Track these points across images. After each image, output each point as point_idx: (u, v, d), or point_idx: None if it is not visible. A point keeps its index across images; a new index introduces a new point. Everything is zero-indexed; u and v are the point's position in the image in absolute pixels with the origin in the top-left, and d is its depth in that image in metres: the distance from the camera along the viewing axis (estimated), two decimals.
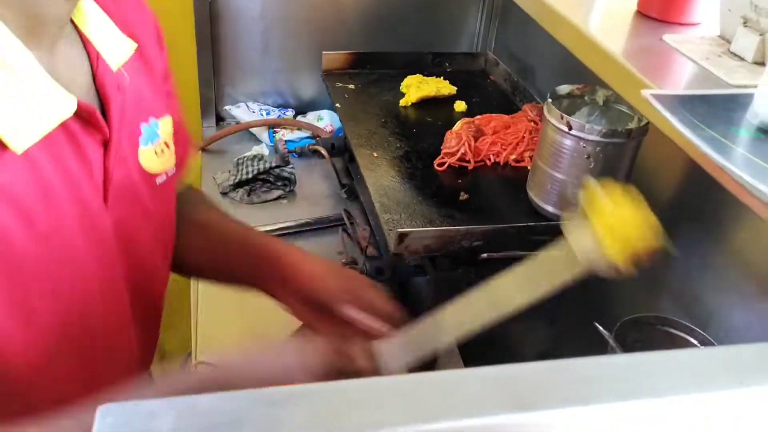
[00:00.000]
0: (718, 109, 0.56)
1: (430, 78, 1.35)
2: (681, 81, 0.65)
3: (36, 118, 0.52)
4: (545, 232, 0.90)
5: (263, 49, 1.60)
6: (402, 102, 1.29)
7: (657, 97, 0.56)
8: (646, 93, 0.56)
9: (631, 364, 0.40)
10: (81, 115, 0.56)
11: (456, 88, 1.33)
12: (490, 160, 1.10)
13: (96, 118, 0.57)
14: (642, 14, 0.79)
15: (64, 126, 0.54)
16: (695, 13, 0.76)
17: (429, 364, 0.98)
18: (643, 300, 1.08)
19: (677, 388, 0.37)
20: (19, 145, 0.51)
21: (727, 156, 0.49)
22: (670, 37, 0.72)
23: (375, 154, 1.11)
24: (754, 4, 0.66)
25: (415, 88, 1.30)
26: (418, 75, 1.36)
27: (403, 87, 1.32)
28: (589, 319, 0.95)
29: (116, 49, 0.64)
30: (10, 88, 0.51)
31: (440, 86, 1.33)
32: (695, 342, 0.90)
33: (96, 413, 0.29)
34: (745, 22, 0.68)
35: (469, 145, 1.08)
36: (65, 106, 0.54)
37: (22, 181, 0.52)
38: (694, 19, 0.76)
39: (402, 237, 0.87)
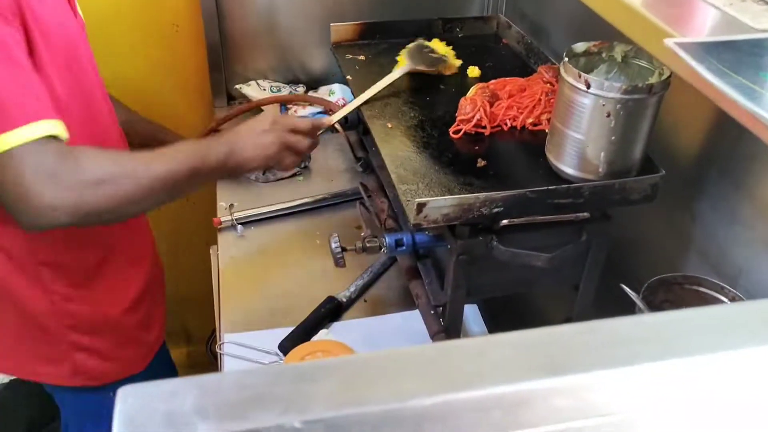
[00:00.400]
0: (745, 54, 0.54)
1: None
2: (705, 28, 0.63)
3: None
4: (566, 194, 0.88)
5: (270, 25, 1.58)
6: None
7: (681, 45, 0.53)
8: (669, 42, 0.54)
9: (662, 323, 0.38)
10: None
11: (461, 62, 1.29)
12: (506, 125, 1.07)
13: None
14: None
15: None
16: None
17: (454, 334, 0.98)
18: (670, 260, 1.06)
19: (712, 346, 0.36)
20: None
21: (758, 102, 0.47)
22: None
23: (389, 125, 1.09)
24: None
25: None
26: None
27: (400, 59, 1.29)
28: (614, 283, 0.94)
29: None
30: None
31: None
32: (725, 299, 0.88)
33: (117, 396, 0.29)
34: None
35: (485, 111, 1.06)
36: None
37: None
38: None
39: (420, 207, 0.85)
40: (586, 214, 0.91)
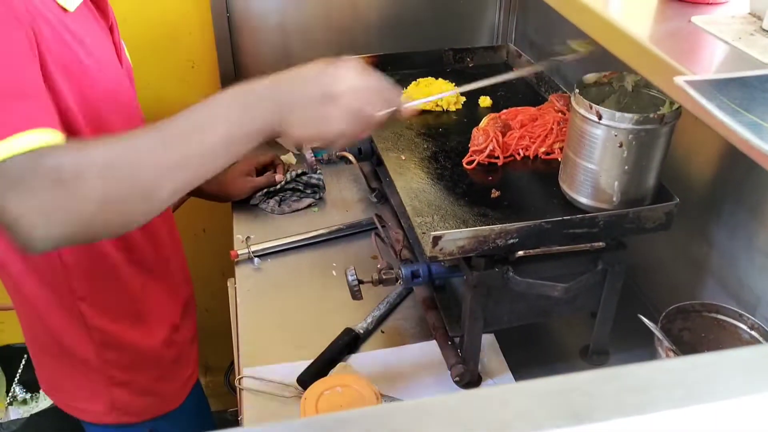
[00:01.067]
0: (756, 91, 0.54)
1: (434, 81, 1.33)
2: (714, 64, 0.63)
3: None
4: (581, 224, 0.89)
5: (284, 57, 1.61)
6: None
7: (691, 83, 0.54)
8: (679, 80, 0.55)
9: (685, 368, 0.39)
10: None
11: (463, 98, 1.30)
12: (519, 154, 1.08)
13: (105, 3, 0.98)
14: None
15: (85, 2, 0.91)
16: None
17: (474, 374, 0.98)
18: (688, 287, 1.06)
19: (736, 390, 0.36)
20: (70, 6, 0.87)
21: None
22: (699, 18, 0.70)
23: (403, 157, 1.10)
24: None
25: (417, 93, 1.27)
26: (428, 78, 1.34)
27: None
28: (632, 311, 0.94)
29: None
30: None
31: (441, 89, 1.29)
32: (745, 327, 0.87)
33: None
34: None
35: (497, 141, 1.07)
36: None
37: (78, 27, 0.88)
38: None
39: (436, 240, 0.86)
40: (601, 244, 0.91)
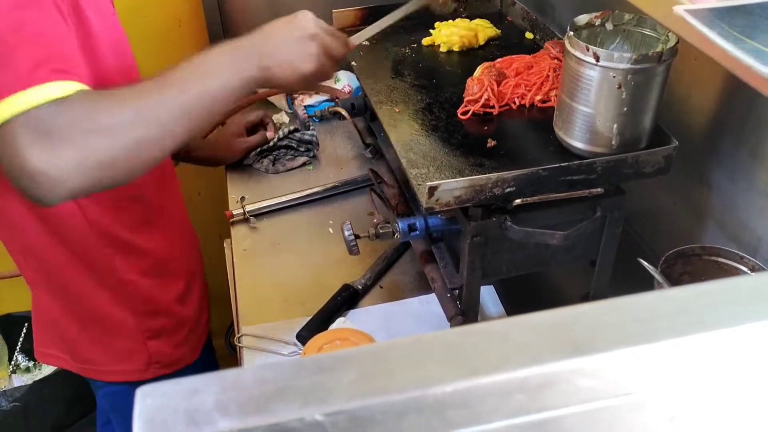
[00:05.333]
0: (759, 18, 0.52)
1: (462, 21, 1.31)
2: None
3: None
4: (579, 171, 0.87)
5: (273, 13, 1.56)
6: (443, 48, 1.26)
7: (692, 12, 0.52)
8: (679, 9, 0.53)
9: (684, 297, 0.38)
10: None
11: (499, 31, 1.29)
12: (515, 103, 1.06)
13: None
14: None
15: None
16: None
17: (472, 316, 0.97)
18: (687, 231, 1.05)
19: (736, 318, 0.35)
20: None
21: None
22: None
23: (396, 110, 1.08)
24: None
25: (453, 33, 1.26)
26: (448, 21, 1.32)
27: (436, 35, 1.28)
28: (632, 257, 0.93)
29: None
30: None
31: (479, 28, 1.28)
32: (746, 270, 0.87)
33: (136, 396, 0.29)
34: None
35: (492, 90, 1.05)
36: None
37: None
38: None
39: (432, 190, 0.85)
40: (599, 190, 0.90)
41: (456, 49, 1.26)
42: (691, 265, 0.90)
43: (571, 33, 0.88)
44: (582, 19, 0.93)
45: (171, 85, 0.78)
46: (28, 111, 0.68)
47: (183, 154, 1.30)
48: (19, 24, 0.73)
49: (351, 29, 1.35)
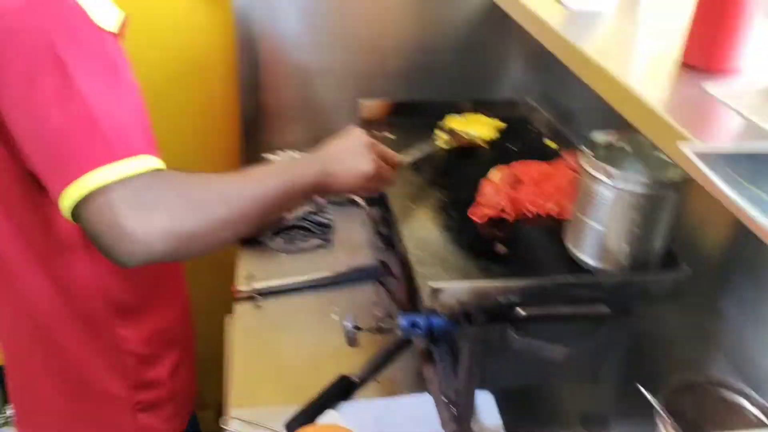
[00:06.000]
0: (764, 165, 0.53)
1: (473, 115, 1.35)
2: (725, 135, 0.62)
3: (112, 17, 0.85)
4: (586, 287, 0.87)
5: (304, 98, 1.62)
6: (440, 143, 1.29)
7: (697, 152, 0.53)
8: (684, 148, 0.54)
9: None
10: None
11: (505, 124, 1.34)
12: (530, 212, 1.06)
13: (125, 28, 0.90)
14: (686, 64, 0.76)
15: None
16: (740, 61, 0.72)
17: (465, 423, 0.94)
18: (694, 359, 1.02)
19: None
20: (112, 28, 0.84)
21: None
22: (713, 87, 0.69)
23: (411, 204, 1.09)
24: None
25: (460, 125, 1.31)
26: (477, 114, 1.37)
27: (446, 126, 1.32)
28: (635, 379, 0.90)
29: None
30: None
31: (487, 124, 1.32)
32: (749, 406, 0.84)
33: None
34: None
35: (508, 197, 1.06)
36: (119, 13, 0.87)
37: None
38: (739, 67, 0.73)
39: (436, 292, 0.84)
40: (607, 309, 0.89)
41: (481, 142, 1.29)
42: (695, 395, 0.87)
43: (587, 150, 0.90)
44: (599, 136, 0.94)
45: (252, 178, 0.89)
46: (128, 178, 0.75)
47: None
48: (119, 97, 0.81)
49: (377, 121, 1.39)
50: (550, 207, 1.06)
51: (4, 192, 0.91)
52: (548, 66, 1.53)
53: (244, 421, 0.98)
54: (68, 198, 0.76)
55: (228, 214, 0.83)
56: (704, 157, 0.52)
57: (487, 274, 0.92)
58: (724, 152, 0.54)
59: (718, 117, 0.65)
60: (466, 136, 1.30)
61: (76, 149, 0.76)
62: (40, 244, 0.94)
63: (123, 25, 0.96)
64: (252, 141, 1.63)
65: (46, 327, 1.00)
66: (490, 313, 0.89)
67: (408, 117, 1.40)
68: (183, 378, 1.15)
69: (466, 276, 0.91)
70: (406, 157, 1.15)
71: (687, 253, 0.93)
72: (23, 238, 0.94)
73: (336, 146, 0.99)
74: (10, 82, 0.78)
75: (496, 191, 1.06)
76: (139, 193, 0.76)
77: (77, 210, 0.76)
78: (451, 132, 1.31)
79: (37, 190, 0.86)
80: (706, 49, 0.73)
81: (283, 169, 0.94)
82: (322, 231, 1.43)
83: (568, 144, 1.27)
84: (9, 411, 1.81)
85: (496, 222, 1.05)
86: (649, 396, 0.80)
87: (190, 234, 0.79)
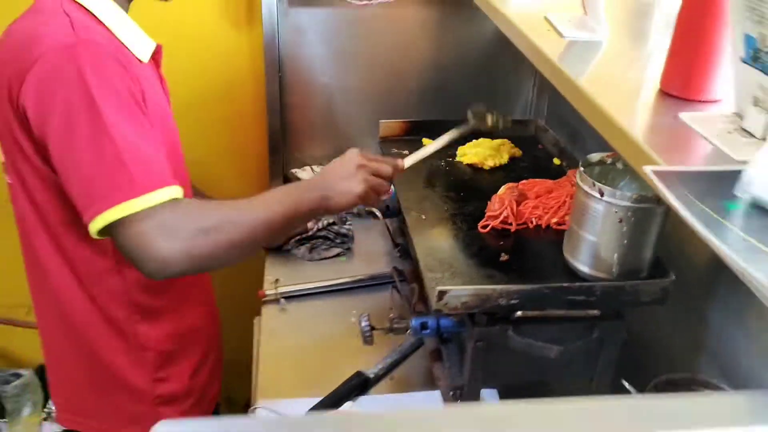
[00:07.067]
0: (717, 184, 0.62)
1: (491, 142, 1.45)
2: (690, 157, 0.71)
3: (145, 49, 1.05)
4: (579, 292, 0.96)
5: (327, 117, 1.73)
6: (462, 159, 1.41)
7: (657, 173, 0.62)
8: (646, 169, 0.63)
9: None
10: (155, 54, 1.09)
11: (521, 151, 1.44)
12: (532, 222, 1.16)
13: (160, 55, 1.11)
14: (664, 93, 0.85)
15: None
16: (714, 91, 0.81)
17: None
18: (682, 359, 1.10)
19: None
20: (144, 57, 1.05)
21: (717, 230, 0.55)
22: (687, 115, 0.78)
23: (423, 216, 1.19)
24: (763, 86, 0.71)
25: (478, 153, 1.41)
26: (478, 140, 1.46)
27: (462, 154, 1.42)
28: (629, 377, 0.99)
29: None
30: (133, 30, 1.04)
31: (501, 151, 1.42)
32: None
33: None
34: (755, 102, 0.73)
35: (512, 209, 1.15)
36: (151, 43, 1.07)
37: (149, 76, 1.06)
38: (714, 97, 0.81)
39: (441, 294, 0.94)
40: (596, 312, 0.98)
41: (486, 167, 1.38)
42: (676, 391, 0.95)
43: (581, 168, 0.99)
44: (594, 156, 1.03)
45: (259, 204, 1.02)
46: (151, 209, 0.90)
47: None
48: (145, 132, 0.95)
49: (395, 139, 1.49)
50: (552, 219, 1.15)
51: (48, 215, 1.04)
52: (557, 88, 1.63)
53: (269, 409, 1.08)
54: (95, 226, 0.91)
55: (238, 237, 0.97)
56: (663, 176, 0.62)
57: (490, 279, 1.01)
58: (681, 172, 0.63)
59: (688, 142, 0.74)
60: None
61: (105, 186, 0.91)
62: (76, 261, 1.07)
63: (158, 53, 1.08)
64: (278, 156, 1.75)
65: (77, 327, 1.12)
66: (492, 315, 0.98)
67: (424, 135, 1.50)
68: (205, 376, 1.25)
69: (470, 281, 1.01)
70: (408, 161, 1.21)
71: (675, 261, 1.01)
72: (62, 255, 1.07)
73: (332, 172, 1.10)
74: (52, 119, 0.92)
75: (501, 205, 1.15)
76: (161, 222, 0.91)
77: (110, 232, 0.92)
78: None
79: (77, 215, 0.98)
80: (683, 79, 0.82)
81: (287, 195, 1.06)
82: (343, 240, 1.53)
83: (573, 162, 1.35)
84: (51, 406, 1.94)
85: (501, 233, 1.14)
86: (632, 391, 0.88)
87: (205, 255, 0.93)
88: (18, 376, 1.96)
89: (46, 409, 2.00)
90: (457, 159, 1.41)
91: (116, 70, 0.94)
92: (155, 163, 0.95)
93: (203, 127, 1.74)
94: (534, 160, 1.43)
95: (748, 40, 0.70)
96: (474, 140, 1.45)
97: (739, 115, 0.78)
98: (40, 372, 2.01)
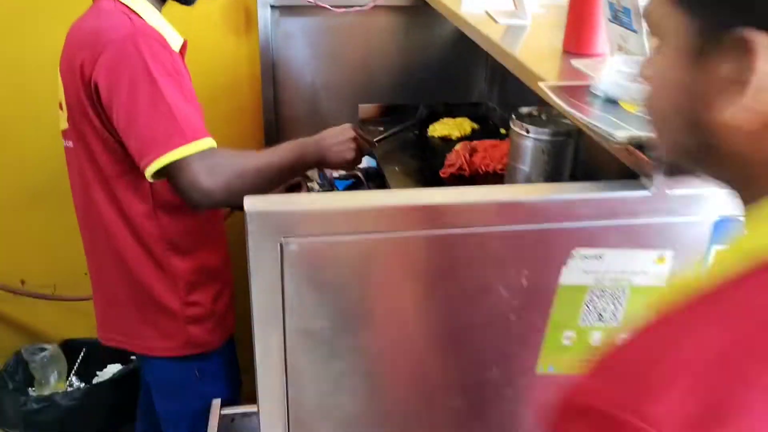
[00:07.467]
0: (584, 92, 0.94)
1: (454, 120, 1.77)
2: (571, 81, 1.04)
3: (176, 41, 1.35)
4: None
5: (312, 108, 2.05)
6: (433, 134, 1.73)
7: (548, 87, 0.94)
8: (541, 84, 0.95)
9: None
10: (181, 48, 1.38)
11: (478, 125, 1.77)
12: (482, 169, 1.48)
13: (185, 49, 1.39)
14: (566, 51, 1.18)
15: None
16: (597, 46, 1.15)
17: None
18: None
19: None
20: (176, 48, 1.33)
21: (588, 114, 0.87)
22: (576, 61, 1.11)
23: (396, 168, 1.51)
24: (623, 36, 1.05)
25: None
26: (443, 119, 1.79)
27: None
28: None
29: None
30: (166, 26, 1.36)
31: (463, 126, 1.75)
32: None
33: None
34: (619, 48, 1.06)
35: (465, 159, 1.47)
36: (180, 38, 1.38)
37: (182, 62, 1.35)
38: (598, 51, 1.15)
39: None
40: None
41: (454, 137, 1.70)
42: None
43: (514, 116, 1.31)
44: (524, 109, 1.36)
45: (275, 154, 1.34)
46: (198, 153, 1.21)
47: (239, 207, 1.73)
48: (188, 99, 1.27)
49: (371, 121, 1.81)
50: (497, 166, 1.47)
51: (104, 168, 1.33)
52: (504, 77, 1.97)
53: None
54: (153, 168, 1.21)
55: (260, 177, 1.28)
56: (551, 89, 0.94)
57: None
58: (562, 86, 0.95)
59: (573, 76, 1.06)
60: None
61: (163, 136, 1.21)
62: (124, 206, 1.36)
63: (184, 47, 1.40)
64: (272, 144, 2.05)
65: (125, 260, 1.40)
66: None
67: (397, 116, 1.82)
68: (223, 305, 1.53)
69: None
70: (375, 138, 1.58)
71: (592, 176, 1.33)
72: (114, 202, 1.36)
73: (333, 137, 1.41)
74: (120, 90, 1.22)
75: (457, 156, 1.47)
76: (206, 162, 1.21)
77: (165, 174, 1.22)
78: None
79: (128, 167, 1.29)
80: (576, 39, 1.16)
81: (296, 147, 1.37)
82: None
83: None
84: (74, 380, 2.18)
85: (458, 177, 1.46)
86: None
87: (237, 190, 1.21)
88: (44, 349, 2.20)
89: (68, 381, 2.24)
90: (429, 135, 1.73)
91: (164, 52, 1.24)
92: (198, 120, 1.26)
93: (208, 120, 2.02)
94: (487, 132, 1.76)
95: (609, 4, 1.03)
96: (440, 120, 1.77)
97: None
98: (64, 346, 2.25)
